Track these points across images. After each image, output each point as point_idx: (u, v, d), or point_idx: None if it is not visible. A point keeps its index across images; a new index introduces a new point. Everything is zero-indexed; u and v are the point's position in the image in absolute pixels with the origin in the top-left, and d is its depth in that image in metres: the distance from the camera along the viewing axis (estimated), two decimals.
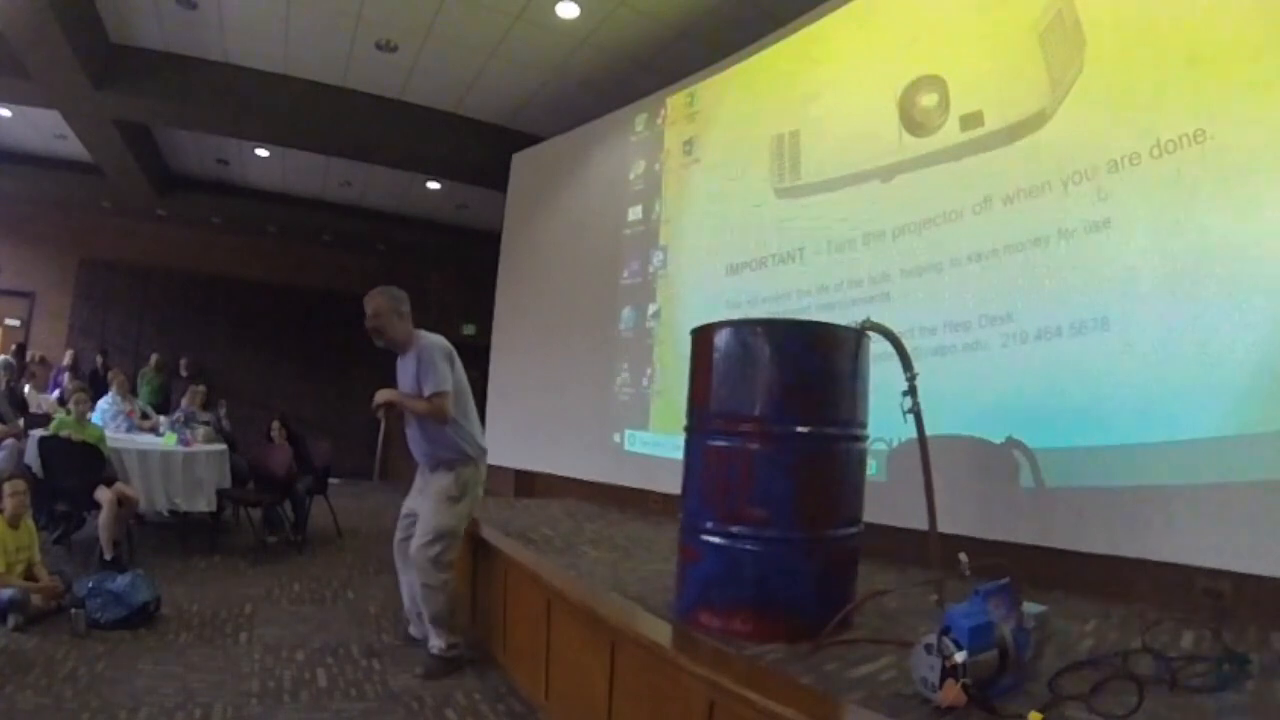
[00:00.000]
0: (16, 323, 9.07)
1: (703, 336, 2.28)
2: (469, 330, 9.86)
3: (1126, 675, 1.69)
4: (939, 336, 3.29)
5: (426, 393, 2.91)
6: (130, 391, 6.73)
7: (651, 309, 5.06)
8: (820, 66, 4.11)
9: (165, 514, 5.08)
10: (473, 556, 3.48)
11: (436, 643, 2.96)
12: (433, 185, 8.21)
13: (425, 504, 3.02)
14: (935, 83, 3.46)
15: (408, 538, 3.10)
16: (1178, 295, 2.59)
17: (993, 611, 1.59)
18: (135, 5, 5.12)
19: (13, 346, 8.25)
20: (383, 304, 3.01)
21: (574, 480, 5.38)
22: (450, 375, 2.97)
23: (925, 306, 3.36)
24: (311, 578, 4.53)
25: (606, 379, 5.27)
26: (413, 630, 3.22)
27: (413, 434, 3.09)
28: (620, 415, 5.13)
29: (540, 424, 5.80)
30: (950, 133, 3.37)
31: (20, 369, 7.07)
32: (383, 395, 2.99)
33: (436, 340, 3.03)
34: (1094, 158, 2.85)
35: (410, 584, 3.12)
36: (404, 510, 3.17)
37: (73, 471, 4.25)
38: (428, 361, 2.94)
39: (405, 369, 3.03)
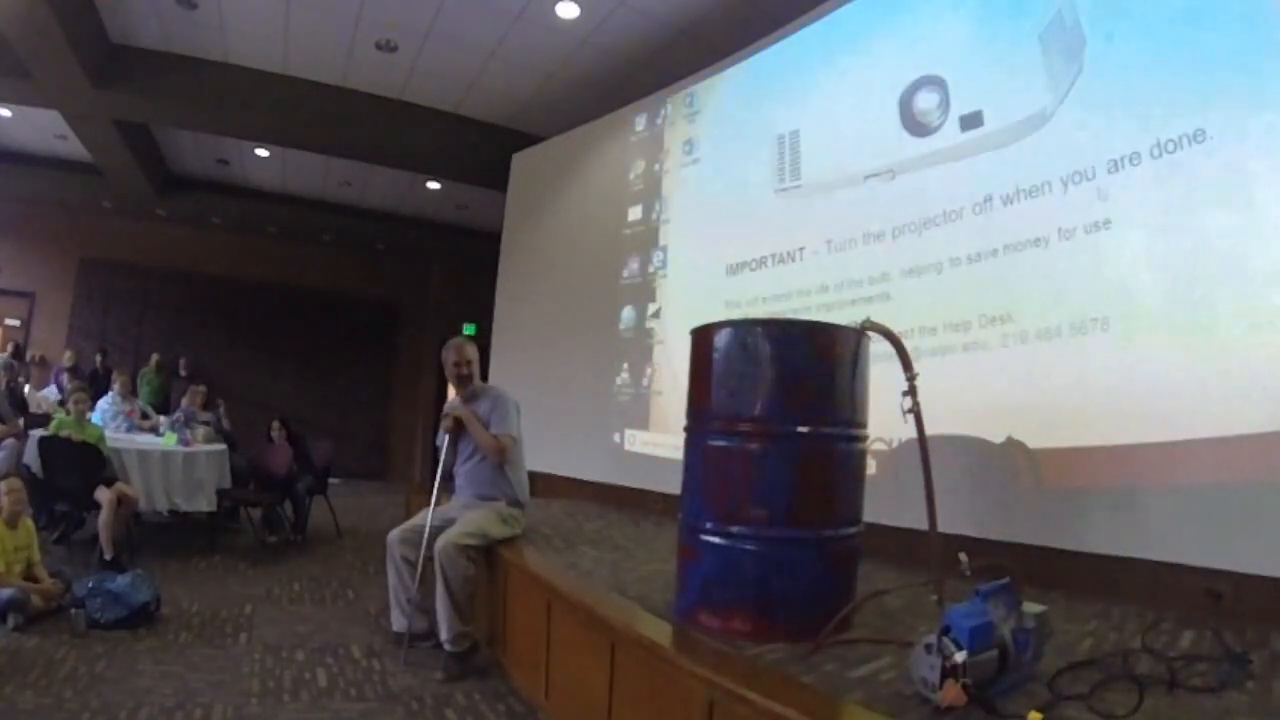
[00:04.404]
0: (16, 323, 9.07)
1: (703, 336, 2.28)
2: (469, 330, 9.86)
3: (1126, 675, 1.69)
4: (939, 336, 3.29)
5: (495, 431, 3.23)
6: (131, 392, 6.73)
7: (651, 309, 5.06)
8: (820, 66, 4.11)
9: (165, 514, 5.09)
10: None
11: (446, 633, 2.95)
12: (433, 185, 8.21)
13: (477, 512, 3.19)
14: (935, 83, 3.46)
15: (417, 534, 3.16)
16: (1178, 295, 2.59)
17: (993, 611, 1.59)
18: (135, 5, 5.12)
19: (10, 345, 8.24)
20: (475, 353, 3.38)
21: (574, 480, 5.38)
22: (519, 425, 3.32)
23: (925, 306, 3.36)
24: (311, 578, 4.53)
25: (606, 379, 5.27)
26: (395, 625, 3.21)
27: (469, 470, 3.34)
28: (620, 415, 5.13)
29: (540, 424, 5.78)
30: (950, 133, 3.37)
31: (19, 369, 7.07)
32: (457, 410, 3.29)
33: (512, 394, 3.40)
34: (1094, 158, 2.85)
35: (405, 573, 3.14)
36: (436, 516, 3.19)
37: (73, 471, 4.25)
38: (504, 406, 3.29)
39: (475, 410, 3.30)
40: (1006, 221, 3.12)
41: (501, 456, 3.24)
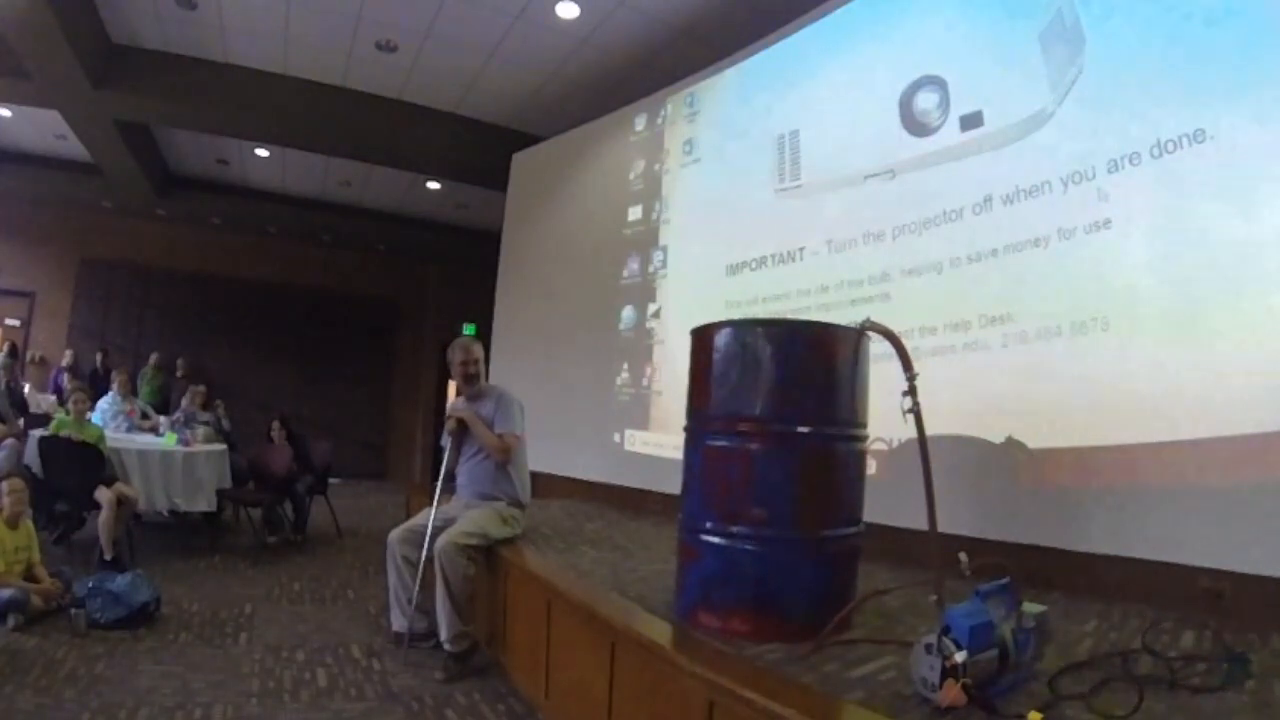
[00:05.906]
0: (16, 323, 9.07)
1: (703, 336, 2.28)
2: (469, 330, 9.86)
3: (1126, 675, 1.69)
4: (939, 336, 3.29)
5: (498, 431, 3.24)
6: (131, 391, 6.73)
7: (651, 309, 5.06)
8: (820, 66, 4.11)
9: (165, 514, 5.08)
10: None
11: (447, 632, 2.95)
12: (433, 185, 8.21)
13: (477, 511, 3.19)
14: (935, 83, 3.46)
15: (418, 534, 3.16)
16: (1178, 295, 2.59)
17: (993, 611, 1.59)
18: (135, 5, 5.12)
19: (6, 345, 8.23)
20: (482, 352, 3.41)
21: (574, 480, 5.38)
22: (523, 425, 3.32)
23: (925, 306, 3.36)
24: (311, 578, 4.53)
25: (606, 379, 5.27)
26: (396, 625, 3.21)
27: (470, 468, 3.34)
28: (620, 415, 5.13)
29: (540, 424, 5.77)
30: (950, 133, 3.37)
31: (16, 368, 7.06)
32: (460, 411, 3.30)
33: (516, 394, 3.41)
34: (1094, 158, 2.85)
35: (406, 573, 3.14)
36: (437, 516, 3.19)
37: (72, 471, 4.25)
38: (508, 406, 3.30)
39: (479, 410, 3.32)
40: (1006, 221, 3.12)
41: (505, 456, 3.25)
